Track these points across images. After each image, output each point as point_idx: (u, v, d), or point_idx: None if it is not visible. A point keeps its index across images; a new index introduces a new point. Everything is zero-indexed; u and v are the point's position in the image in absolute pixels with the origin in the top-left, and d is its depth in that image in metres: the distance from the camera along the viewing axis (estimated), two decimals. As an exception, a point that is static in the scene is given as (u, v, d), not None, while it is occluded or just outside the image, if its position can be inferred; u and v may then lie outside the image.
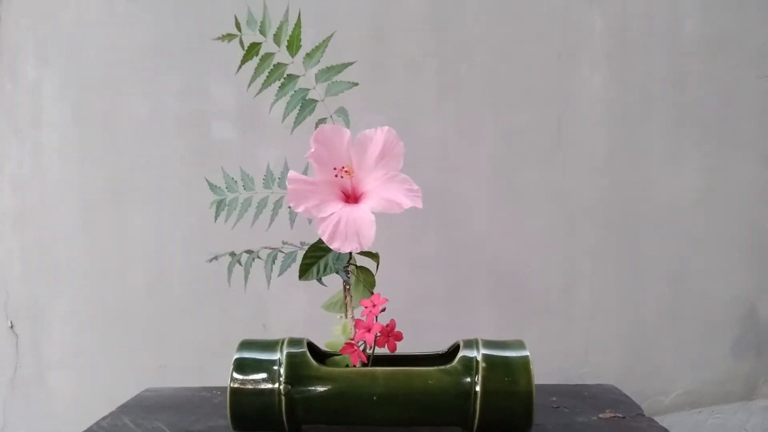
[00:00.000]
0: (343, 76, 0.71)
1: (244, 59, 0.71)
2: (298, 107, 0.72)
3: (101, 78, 1.07)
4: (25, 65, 1.05)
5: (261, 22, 0.70)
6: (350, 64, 0.71)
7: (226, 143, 1.09)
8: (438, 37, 1.17)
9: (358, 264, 0.74)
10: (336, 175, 0.68)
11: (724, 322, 1.31)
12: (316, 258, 0.72)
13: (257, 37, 0.71)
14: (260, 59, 0.71)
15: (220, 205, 0.78)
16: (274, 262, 0.75)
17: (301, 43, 0.70)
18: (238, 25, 0.71)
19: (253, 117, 1.08)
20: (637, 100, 1.25)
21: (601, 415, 0.75)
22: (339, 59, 0.71)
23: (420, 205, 0.65)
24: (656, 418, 0.77)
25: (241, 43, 0.71)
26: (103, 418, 0.77)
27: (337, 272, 0.72)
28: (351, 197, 0.70)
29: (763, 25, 1.29)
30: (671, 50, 1.25)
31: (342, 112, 0.72)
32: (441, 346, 0.74)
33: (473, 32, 1.18)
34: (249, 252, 0.76)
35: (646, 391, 1.23)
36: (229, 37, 0.71)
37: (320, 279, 0.72)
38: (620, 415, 0.75)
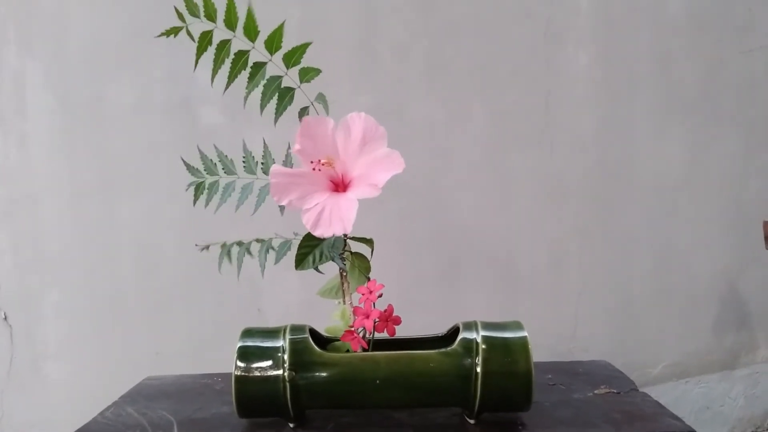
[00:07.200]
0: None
1: (199, 51, 0.66)
2: (276, 97, 0.69)
3: (85, 65, 1.05)
4: (7, 54, 1.03)
5: (204, 6, 0.64)
6: (308, 44, 0.66)
7: (214, 128, 1.09)
8: (425, 18, 1.16)
9: (353, 250, 0.75)
10: (314, 169, 0.67)
11: (707, 296, 1.35)
12: (311, 247, 0.71)
13: (207, 25, 0.65)
14: (216, 48, 0.66)
15: (198, 188, 0.76)
16: (268, 252, 0.74)
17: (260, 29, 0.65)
18: (180, 16, 0.64)
19: (241, 102, 1.07)
20: (623, 79, 1.26)
21: (596, 391, 0.78)
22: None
23: (401, 168, 0.65)
24: (645, 389, 0.79)
25: (189, 34, 0.65)
26: (107, 409, 0.77)
27: (332, 260, 0.72)
28: (340, 185, 0.69)
29: (744, 1, 1.30)
30: (655, 28, 1.27)
31: (321, 98, 0.69)
32: (433, 328, 0.75)
33: (460, 13, 1.18)
34: (239, 244, 0.75)
35: (635, 364, 1.27)
36: (173, 31, 0.65)
37: (317, 267, 0.72)
38: (615, 391, 0.78)
